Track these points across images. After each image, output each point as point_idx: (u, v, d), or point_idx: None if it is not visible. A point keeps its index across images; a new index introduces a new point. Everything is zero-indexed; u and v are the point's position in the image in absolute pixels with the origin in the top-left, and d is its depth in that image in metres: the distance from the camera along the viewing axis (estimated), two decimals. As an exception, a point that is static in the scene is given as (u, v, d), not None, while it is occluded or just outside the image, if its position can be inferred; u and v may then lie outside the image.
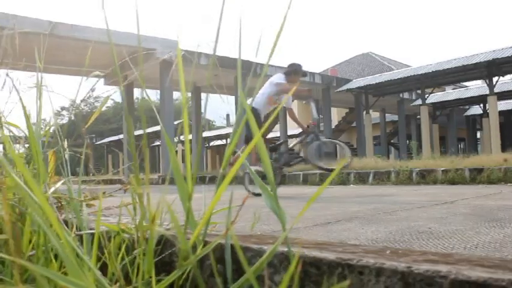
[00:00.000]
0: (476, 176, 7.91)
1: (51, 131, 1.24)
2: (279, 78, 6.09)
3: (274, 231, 2.68)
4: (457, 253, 0.61)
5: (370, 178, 9.40)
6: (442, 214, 3.23)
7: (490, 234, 2.25)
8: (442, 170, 8.38)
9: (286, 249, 0.70)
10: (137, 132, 32.38)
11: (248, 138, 5.81)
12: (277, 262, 0.70)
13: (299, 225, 2.87)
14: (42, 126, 1.07)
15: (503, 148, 15.12)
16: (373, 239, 2.27)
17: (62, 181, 0.93)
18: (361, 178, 9.53)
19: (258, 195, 6.00)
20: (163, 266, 0.86)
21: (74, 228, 0.81)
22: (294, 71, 6.23)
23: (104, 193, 1.03)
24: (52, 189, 0.88)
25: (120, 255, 0.76)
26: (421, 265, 0.54)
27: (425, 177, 8.52)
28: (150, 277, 0.67)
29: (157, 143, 34.11)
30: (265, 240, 0.80)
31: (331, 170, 6.81)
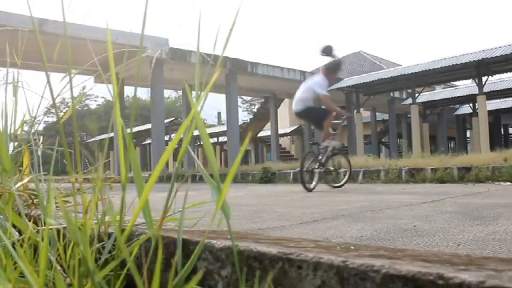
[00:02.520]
0: (465, 175, 7.97)
1: (27, 128, 1.22)
2: (320, 86, 6.37)
3: (260, 228, 2.68)
4: (413, 249, 0.61)
5: (360, 176, 9.43)
6: (428, 212, 3.25)
7: (474, 232, 2.27)
8: (431, 169, 8.43)
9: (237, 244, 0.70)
10: (129, 130, 32.05)
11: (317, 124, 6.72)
12: (224, 257, 0.70)
13: (285, 224, 2.87)
14: (11, 123, 1.06)
15: (492, 147, 15.24)
16: (358, 236, 2.28)
17: (30, 177, 0.92)
18: (351, 176, 9.55)
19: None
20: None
21: (31, 223, 0.80)
22: (335, 68, 6.63)
23: (78, 190, 1.02)
24: (18, 184, 0.87)
25: (70, 250, 0.75)
26: (357, 260, 0.53)
27: (415, 175, 8.57)
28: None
29: (148, 141, 33.95)
30: (223, 235, 0.80)
31: None
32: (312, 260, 0.57)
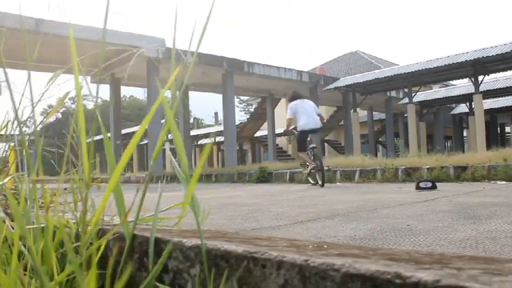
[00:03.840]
0: (461, 174, 7.97)
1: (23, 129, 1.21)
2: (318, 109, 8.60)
3: (254, 228, 2.68)
4: (388, 248, 0.61)
5: (357, 176, 9.44)
6: (422, 211, 3.25)
7: (467, 231, 2.27)
8: (427, 168, 8.44)
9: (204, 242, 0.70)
10: (125, 131, 32.15)
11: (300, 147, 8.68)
12: (193, 255, 0.69)
13: (280, 223, 2.87)
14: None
15: (489, 146, 15.27)
16: (352, 236, 2.27)
17: (10, 177, 0.91)
18: (348, 176, 9.56)
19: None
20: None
21: (8, 222, 0.79)
22: None
23: (65, 189, 1.01)
24: (-1, 184, 0.86)
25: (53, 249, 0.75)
26: (318, 259, 0.53)
27: (411, 175, 8.57)
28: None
29: (145, 141, 33.90)
30: (199, 234, 0.79)
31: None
32: (276, 259, 0.57)
